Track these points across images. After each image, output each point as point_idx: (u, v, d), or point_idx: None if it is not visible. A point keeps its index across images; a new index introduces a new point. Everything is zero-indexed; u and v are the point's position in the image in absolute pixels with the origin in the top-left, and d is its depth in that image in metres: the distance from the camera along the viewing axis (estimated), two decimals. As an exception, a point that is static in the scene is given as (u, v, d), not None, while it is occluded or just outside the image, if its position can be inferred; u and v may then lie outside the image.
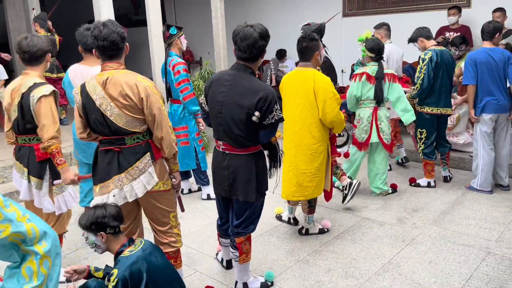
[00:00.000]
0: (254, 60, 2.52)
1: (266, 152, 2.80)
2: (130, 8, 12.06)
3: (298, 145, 3.34)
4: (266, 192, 2.77)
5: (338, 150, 3.69)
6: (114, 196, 2.36)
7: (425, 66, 4.31)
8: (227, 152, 2.61)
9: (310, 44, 3.27)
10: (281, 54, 8.45)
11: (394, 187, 4.56)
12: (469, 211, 4.02)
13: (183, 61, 4.33)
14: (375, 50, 4.13)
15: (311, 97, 3.24)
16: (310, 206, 3.59)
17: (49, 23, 6.73)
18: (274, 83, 8.35)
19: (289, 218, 3.89)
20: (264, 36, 2.46)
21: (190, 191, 4.70)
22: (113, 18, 6.26)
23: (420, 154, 4.59)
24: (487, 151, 4.31)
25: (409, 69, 5.76)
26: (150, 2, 6.51)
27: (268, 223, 3.88)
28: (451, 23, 6.23)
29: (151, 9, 6.52)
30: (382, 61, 4.20)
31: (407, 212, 4.04)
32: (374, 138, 4.22)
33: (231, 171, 2.60)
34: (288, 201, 3.76)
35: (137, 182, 2.38)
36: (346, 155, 3.83)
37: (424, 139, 4.53)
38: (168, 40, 4.30)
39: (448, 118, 5.27)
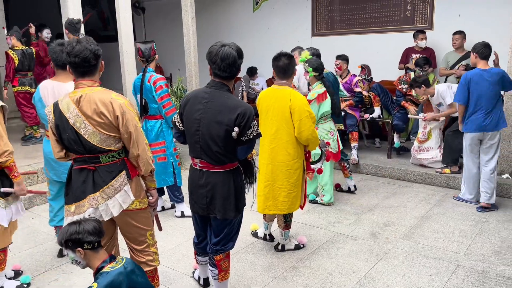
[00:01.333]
0: (232, 78, 2.56)
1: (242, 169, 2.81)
2: (98, 24, 11.92)
3: (274, 161, 3.38)
4: (244, 208, 2.77)
5: (312, 166, 3.76)
6: (89, 215, 2.31)
7: None
8: (204, 170, 2.60)
9: (292, 62, 3.33)
10: (252, 72, 8.56)
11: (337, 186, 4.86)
12: (437, 225, 4.16)
13: (163, 76, 4.37)
14: (319, 69, 4.26)
15: (287, 115, 3.30)
16: (286, 221, 3.62)
17: (33, 28, 6.66)
18: (245, 100, 8.43)
19: (264, 235, 3.90)
20: (241, 54, 2.52)
21: (163, 208, 4.64)
22: (82, 33, 6.17)
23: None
24: (471, 165, 4.52)
25: (377, 88, 5.96)
26: (122, 19, 6.48)
27: (244, 240, 3.87)
28: (420, 47, 6.47)
29: (122, 26, 6.48)
30: (323, 78, 4.36)
31: (379, 227, 4.14)
32: (341, 145, 4.52)
33: (209, 189, 2.60)
34: (264, 217, 3.78)
35: (112, 201, 2.34)
36: (319, 171, 3.93)
37: None
38: (153, 57, 4.31)
39: (420, 132, 5.49)
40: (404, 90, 5.89)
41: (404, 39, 7.03)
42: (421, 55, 6.18)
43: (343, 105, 6.07)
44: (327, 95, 4.27)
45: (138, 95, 4.34)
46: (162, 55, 10.91)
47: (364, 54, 7.56)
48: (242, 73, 8.73)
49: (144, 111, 4.37)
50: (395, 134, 5.99)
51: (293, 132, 3.32)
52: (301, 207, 3.61)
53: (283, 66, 3.32)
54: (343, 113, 6.08)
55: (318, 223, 4.25)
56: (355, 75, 6.13)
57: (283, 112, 3.31)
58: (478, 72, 4.37)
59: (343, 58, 5.90)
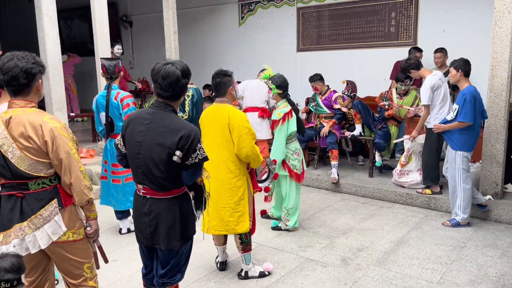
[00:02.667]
0: (176, 98, 2.40)
1: (192, 194, 2.65)
2: (87, 37, 11.82)
3: (217, 180, 3.29)
4: (193, 236, 2.60)
5: (260, 185, 3.62)
6: (14, 247, 2.13)
7: (189, 101, 5.05)
8: (148, 196, 2.43)
9: (223, 80, 3.29)
10: (236, 87, 8.41)
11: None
12: (413, 250, 3.97)
13: (130, 94, 4.27)
14: (283, 86, 4.16)
15: (226, 133, 3.23)
16: (243, 242, 3.42)
17: None
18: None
19: (217, 262, 3.69)
20: (186, 73, 2.36)
21: (129, 230, 4.44)
22: (58, 48, 6.04)
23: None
24: (467, 185, 4.38)
25: (358, 105, 5.80)
26: (98, 32, 6.35)
27: (208, 266, 3.68)
28: None
29: (99, 39, 6.35)
30: (288, 96, 4.25)
31: (352, 252, 3.94)
32: (305, 166, 4.42)
33: (152, 218, 2.42)
34: (213, 240, 3.59)
35: (40, 232, 2.16)
36: (267, 189, 3.79)
37: None
38: (118, 74, 4.20)
39: (404, 155, 5.28)
40: (386, 106, 5.73)
41: (388, 55, 6.93)
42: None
43: (325, 124, 5.93)
44: (293, 113, 4.15)
45: (102, 113, 4.19)
46: (149, 68, 10.82)
47: (349, 70, 7.45)
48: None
49: (110, 129, 4.22)
50: (376, 152, 5.82)
51: (233, 149, 3.25)
52: (251, 232, 3.46)
53: (214, 84, 3.33)
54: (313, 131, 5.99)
55: (289, 248, 4.05)
56: (335, 91, 6.00)
57: (223, 129, 3.24)
58: (475, 89, 4.34)
59: (316, 79, 5.86)
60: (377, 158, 5.79)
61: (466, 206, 4.43)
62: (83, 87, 10.47)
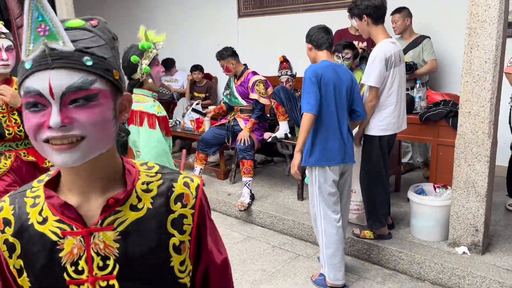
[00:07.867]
0: None
1: None
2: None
3: None
4: None
5: None
6: None
7: None
8: None
9: None
10: (167, 65, 6.57)
11: None
12: None
13: None
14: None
15: None
16: None
17: None
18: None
19: None
20: None
21: None
22: None
23: None
24: (332, 221, 2.73)
25: (279, 93, 3.90)
26: None
27: None
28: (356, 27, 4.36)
29: None
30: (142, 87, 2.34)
31: None
32: None
33: None
34: None
35: None
36: None
37: None
38: None
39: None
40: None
41: (345, 18, 4.94)
42: (345, 40, 4.08)
43: (240, 120, 4.13)
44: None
45: None
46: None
47: (301, 40, 5.53)
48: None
49: None
50: (306, 164, 3.95)
51: None
52: None
53: None
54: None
55: None
56: (254, 73, 4.12)
57: None
58: (328, 65, 2.64)
59: (226, 56, 4.03)
60: (307, 172, 3.92)
61: (332, 258, 2.73)
62: None
